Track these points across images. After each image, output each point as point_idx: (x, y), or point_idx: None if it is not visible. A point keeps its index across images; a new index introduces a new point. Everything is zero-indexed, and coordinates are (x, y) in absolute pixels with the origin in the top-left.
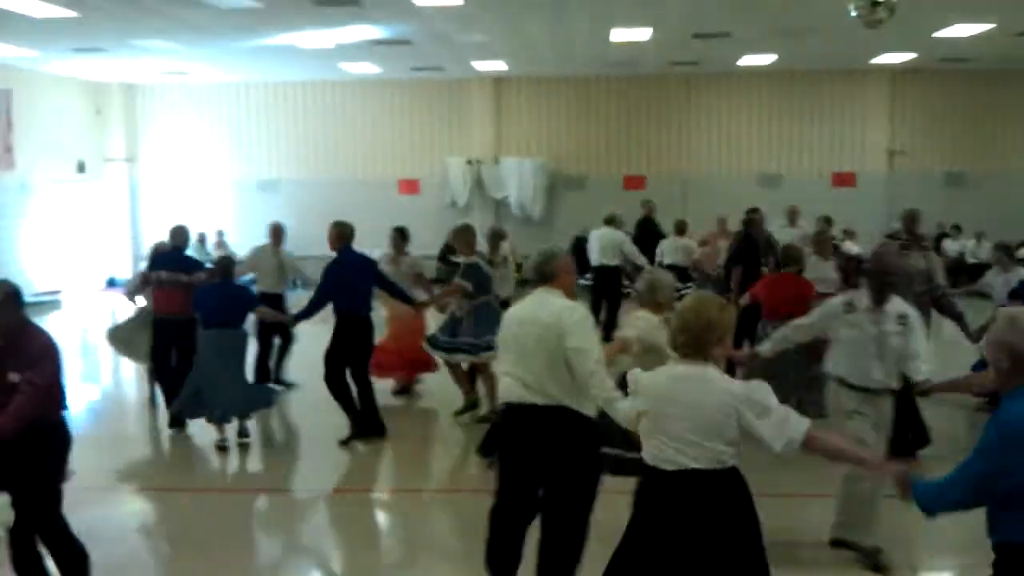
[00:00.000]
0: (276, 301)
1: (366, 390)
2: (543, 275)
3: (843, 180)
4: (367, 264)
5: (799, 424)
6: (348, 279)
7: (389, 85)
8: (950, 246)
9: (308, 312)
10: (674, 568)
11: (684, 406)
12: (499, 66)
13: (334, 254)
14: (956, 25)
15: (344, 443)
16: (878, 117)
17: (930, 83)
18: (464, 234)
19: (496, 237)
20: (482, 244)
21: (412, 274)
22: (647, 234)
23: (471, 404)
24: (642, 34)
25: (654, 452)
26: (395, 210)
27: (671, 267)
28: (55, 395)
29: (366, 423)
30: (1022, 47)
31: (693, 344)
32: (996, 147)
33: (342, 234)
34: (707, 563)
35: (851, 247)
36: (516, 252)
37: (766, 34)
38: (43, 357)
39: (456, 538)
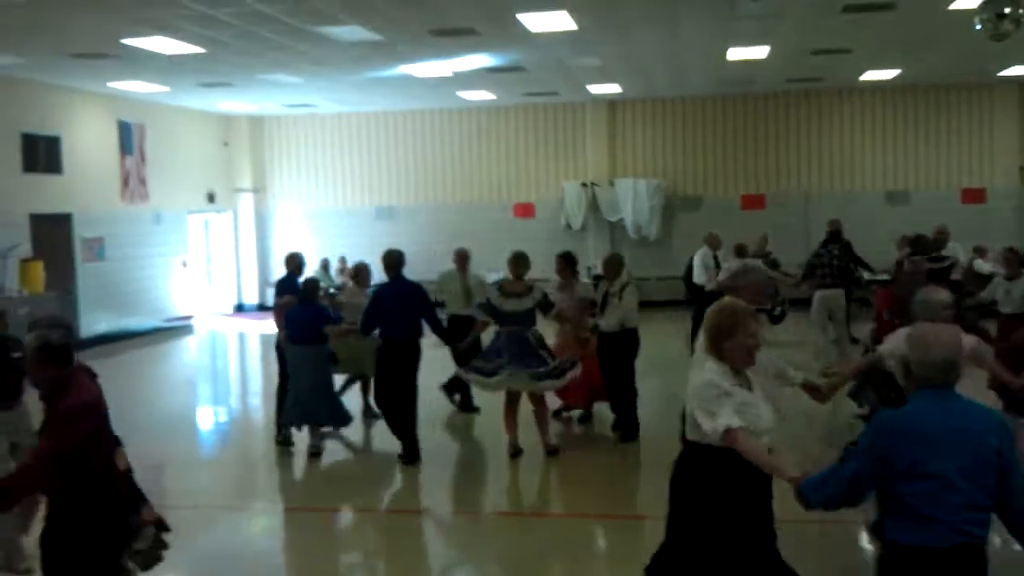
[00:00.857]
0: (465, 322)
1: (406, 415)
2: None
3: (973, 196)
4: (416, 292)
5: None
6: (394, 306)
7: (504, 111)
8: None
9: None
10: None
11: None
12: (613, 89)
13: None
14: None
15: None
16: (1008, 130)
17: None
18: (514, 261)
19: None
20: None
21: (582, 299)
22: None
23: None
24: (759, 52)
25: None
26: (510, 234)
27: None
28: (74, 466)
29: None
30: None
31: None
32: None
33: (391, 263)
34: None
35: (983, 265)
36: (631, 274)
37: (887, 48)
38: (62, 422)
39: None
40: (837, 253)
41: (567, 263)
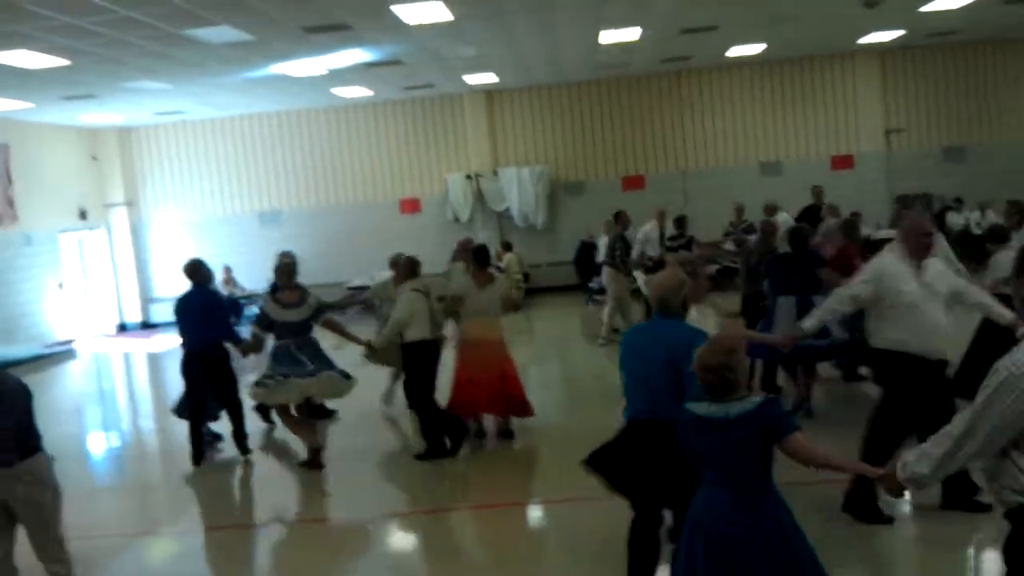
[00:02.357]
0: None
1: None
2: None
3: (842, 163)
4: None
5: None
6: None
7: (383, 106)
8: (954, 219)
9: None
10: None
11: None
12: (490, 78)
13: (347, 279)
14: None
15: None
16: (872, 97)
17: (921, 59)
18: (282, 271)
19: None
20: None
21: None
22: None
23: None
24: (631, 34)
25: None
26: (398, 230)
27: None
28: None
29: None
30: (1011, 16)
31: None
32: (992, 119)
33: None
34: None
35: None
36: (523, 262)
37: (753, 24)
38: None
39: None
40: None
41: (480, 260)
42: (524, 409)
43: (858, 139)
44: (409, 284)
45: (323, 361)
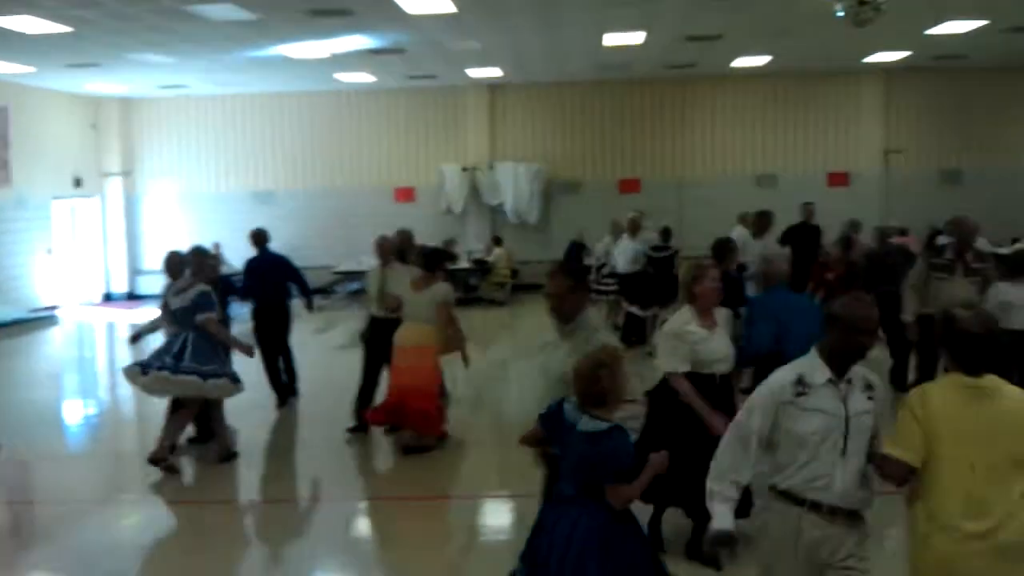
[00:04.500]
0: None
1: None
2: None
3: (838, 180)
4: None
5: None
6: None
7: (384, 94)
8: (944, 242)
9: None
10: None
11: None
12: (494, 72)
13: (335, 264)
14: (948, 22)
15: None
16: (873, 116)
17: (924, 81)
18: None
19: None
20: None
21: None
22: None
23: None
24: (635, 38)
25: None
26: (391, 218)
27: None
28: None
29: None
30: (1015, 43)
31: None
32: (991, 144)
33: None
34: None
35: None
36: (513, 258)
37: (759, 35)
38: None
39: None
40: None
41: (428, 264)
42: (428, 426)
43: (856, 157)
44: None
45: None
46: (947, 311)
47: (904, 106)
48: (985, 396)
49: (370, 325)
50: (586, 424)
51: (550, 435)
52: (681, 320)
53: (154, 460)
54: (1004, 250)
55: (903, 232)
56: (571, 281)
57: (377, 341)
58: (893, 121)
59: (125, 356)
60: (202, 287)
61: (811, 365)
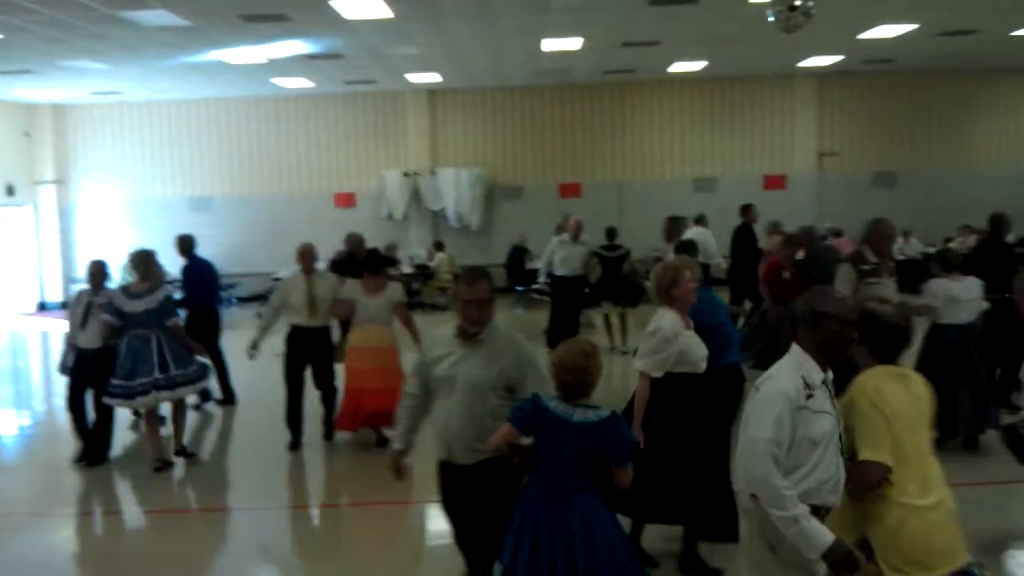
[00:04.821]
0: (312, 336)
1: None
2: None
3: (775, 183)
4: None
5: None
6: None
7: (323, 99)
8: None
9: None
10: None
11: None
12: (433, 78)
13: (275, 270)
14: (880, 27)
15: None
16: (807, 120)
17: (857, 85)
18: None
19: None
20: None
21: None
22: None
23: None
24: (573, 44)
25: None
26: (331, 224)
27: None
28: None
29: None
30: (945, 47)
31: None
32: (923, 146)
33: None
34: None
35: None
36: (455, 263)
37: (695, 41)
38: None
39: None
40: None
41: (371, 266)
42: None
43: (792, 160)
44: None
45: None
46: (865, 308)
47: (837, 109)
48: (910, 381)
49: (292, 335)
50: (583, 415)
51: (533, 434)
52: (673, 324)
53: (161, 465)
54: (934, 250)
55: (838, 234)
56: (492, 285)
57: (301, 351)
58: (827, 124)
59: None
60: (168, 290)
61: (807, 365)
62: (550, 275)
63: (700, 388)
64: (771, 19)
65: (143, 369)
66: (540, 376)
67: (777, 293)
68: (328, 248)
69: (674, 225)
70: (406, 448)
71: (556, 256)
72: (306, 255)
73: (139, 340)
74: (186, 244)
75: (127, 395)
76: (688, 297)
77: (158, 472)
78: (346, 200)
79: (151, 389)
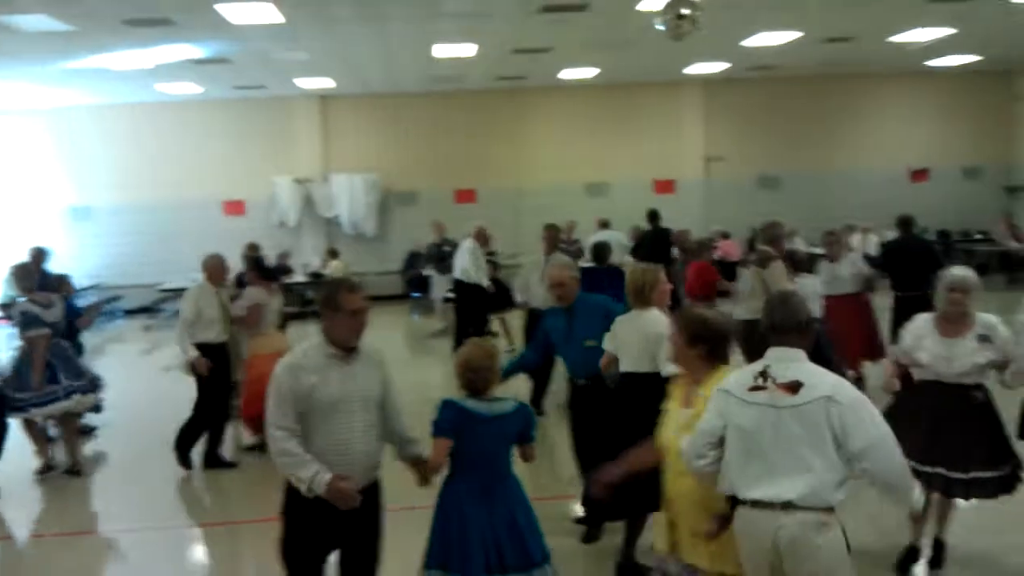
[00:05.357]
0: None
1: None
2: None
3: (664, 187)
4: None
5: None
6: None
7: (211, 104)
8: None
9: None
10: None
11: None
12: (325, 83)
13: (161, 281)
14: (762, 34)
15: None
16: (694, 125)
17: (741, 91)
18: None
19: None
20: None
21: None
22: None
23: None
24: (465, 50)
25: None
26: (220, 232)
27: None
28: None
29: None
30: (825, 53)
31: None
32: (806, 150)
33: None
34: None
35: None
36: (350, 270)
37: (586, 48)
38: None
39: None
40: None
41: (271, 272)
42: None
43: (680, 165)
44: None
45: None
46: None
47: (723, 115)
48: None
49: (205, 353)
50: (499, 407)
51: (458, 436)
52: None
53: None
54: (819, 250)
55: (726, 236)
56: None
57: (222, 368)
58: (713, 130)
59: None
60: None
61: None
62: (456, 281)
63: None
64: (659, 27)
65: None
66: (394, 385)
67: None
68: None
69: (554, 234)
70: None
71: (465, 263)
72: (220, 267)
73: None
74: (37, 259)
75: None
76: (665, 299)
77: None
78: (236, 208)
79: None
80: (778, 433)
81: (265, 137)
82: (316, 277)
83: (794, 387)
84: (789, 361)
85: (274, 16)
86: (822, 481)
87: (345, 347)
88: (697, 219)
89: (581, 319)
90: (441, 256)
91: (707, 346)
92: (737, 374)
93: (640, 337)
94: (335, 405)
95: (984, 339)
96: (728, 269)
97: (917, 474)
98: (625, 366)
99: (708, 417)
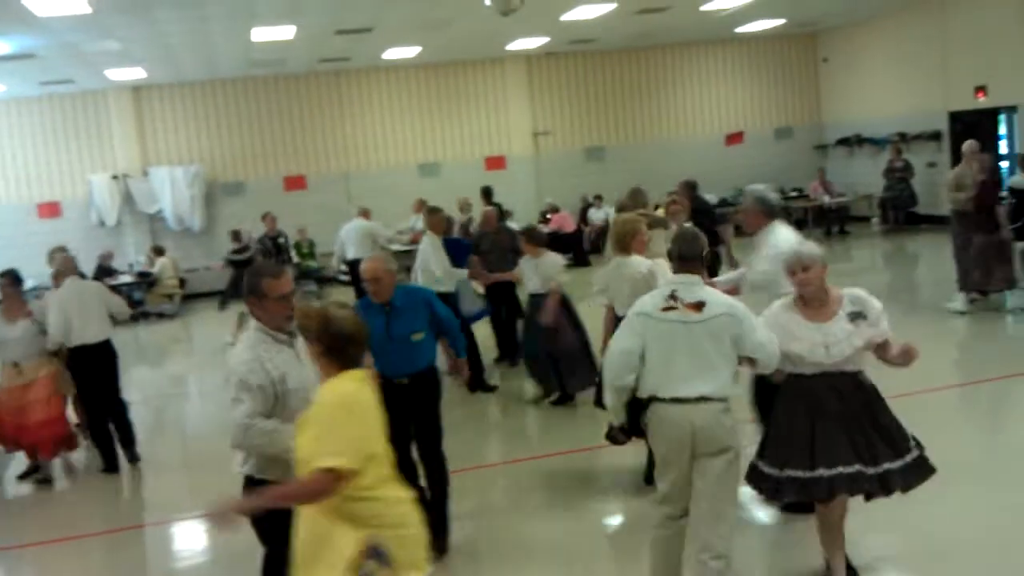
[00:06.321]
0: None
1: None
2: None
3: (495, 164)
4: None
5: None
6: None
7: (16, 103)
8: (595, 214)
9: None
10: None
11: None
12: (137, 74)
13: None
14: (580, 7)
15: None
16: (520, 101)
17: (563, 65)
18: None
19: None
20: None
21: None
22: None
23: None
24: (285, 32)
25: None
26: (36, 236)
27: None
28: None
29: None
30: (641, 25)
31: None
32: (627, 121)
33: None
34: None
35: (514, 225)
36: (178, 267)
37: (408, 27)
38: None
39: None
40: None
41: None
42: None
43: (509, 141)
44: None
45: None
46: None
47: (547, 90)
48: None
49: (77, 355)
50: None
51: None
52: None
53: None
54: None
55: (556, 210)
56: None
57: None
58: (539, 105)
59: None
60: None
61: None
62: (346, 261)
63: None
64: (488, 3)
65: None
66: None
67: None
68: (31, 266)
69: (441, 217)
70: None
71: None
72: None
73: None
74: None
75: None
76: (642, 247)
77: None
78: (51, 210)
79: None
80: (690, 343)
81: (77, 134)
82: (143, 276)
83: (699, 306)
84: (691, 285)
85: (81, 6)
86: (724, 378)
87: (283, 330)
88: (529, 194)
89: (404, 314)
90: (277, 250)
91: (324, 346)
92: (648, 298)
93: (629, 282)
94: (294, 395)
95: (857, 316)
96: (563, 241)
97: (829, 481)
98: (620, 310)
99: (625, 339)
